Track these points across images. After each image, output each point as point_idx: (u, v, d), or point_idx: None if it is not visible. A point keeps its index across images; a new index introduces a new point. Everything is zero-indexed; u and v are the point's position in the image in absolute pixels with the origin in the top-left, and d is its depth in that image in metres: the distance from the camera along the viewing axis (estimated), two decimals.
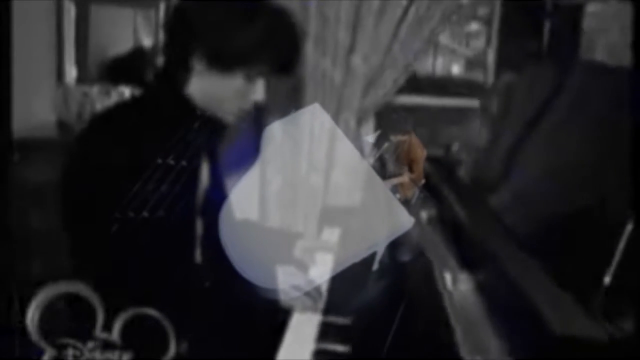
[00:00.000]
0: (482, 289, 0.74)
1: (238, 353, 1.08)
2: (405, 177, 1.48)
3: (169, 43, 1.09)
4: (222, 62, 1.04)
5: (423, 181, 1.44)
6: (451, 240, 0.94)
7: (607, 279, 0.55)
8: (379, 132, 1.58)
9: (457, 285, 0.78)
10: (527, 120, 0.91)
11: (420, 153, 1.54)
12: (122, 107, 1.13)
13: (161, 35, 1.11)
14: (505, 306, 0.65)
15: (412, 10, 1.59)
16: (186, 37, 1.04)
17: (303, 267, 1.31)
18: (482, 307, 0.69)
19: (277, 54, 1.05)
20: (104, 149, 1.00)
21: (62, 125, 2.30)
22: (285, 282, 1.17)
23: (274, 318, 1.14)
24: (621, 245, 0.56)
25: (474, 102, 2.69)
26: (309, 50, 1.59)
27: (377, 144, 1.64)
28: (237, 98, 1.07)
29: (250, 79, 1.05)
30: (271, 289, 1.17)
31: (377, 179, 1.39)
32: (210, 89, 1.06)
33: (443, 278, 0.80)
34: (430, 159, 1.43)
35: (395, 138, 1.51)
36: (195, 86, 1.07)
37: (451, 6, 1.55)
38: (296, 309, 1.15)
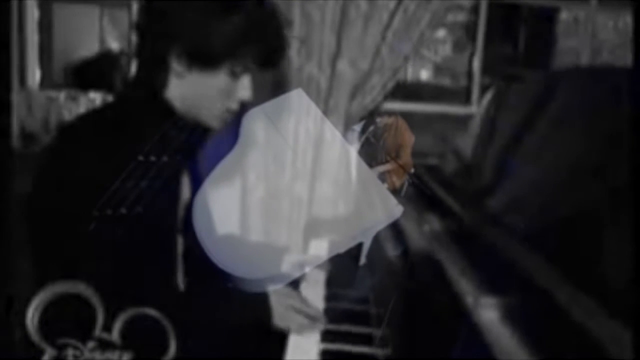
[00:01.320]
0: (513, 315, 0.64)
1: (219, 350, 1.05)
2: (392, 165, 1.50)
3: (143, 44, 1.02)
4: (203, 60, 0.98)
5: (412, 170, 1.47)
6: (464, 255, 0.85)
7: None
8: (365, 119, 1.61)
9: (480, 311, 0.68)
10: (520, 124, 0.94)
11: (408, 138, 1.57)
12: (96, 115, 1.07)
13: (133, 36, 1.04)
14: (548, 334, 0.59)
15: (400, 12, 1.59)
16: (162, 37, 0.98)
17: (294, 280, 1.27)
18: (514, 334, 0.61)
19: (262, 45, 1.00)
20: (79, 159, 0.95)
21: (25, 134, 2.19)
22: (280, 303, 1.10)
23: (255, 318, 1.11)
24: None
25: (444, 108, 2.79)
26: (294, 54, 1.58)
27: (364, 129, 1.65)
28: (222, 98, 1.02)
29: (235, 75, 1.00)
30: (249, 280, 1.14)
31: (366, 168, 1.39)
32: (192, 90, 1.00)
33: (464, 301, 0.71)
34: (424, 167, 1.45)
35: (381, 120, 1.52)
36: (174, 89, 1.01)
37: (441, 7, 1.56)
38: (292, 330, 1.07)
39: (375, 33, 1.58)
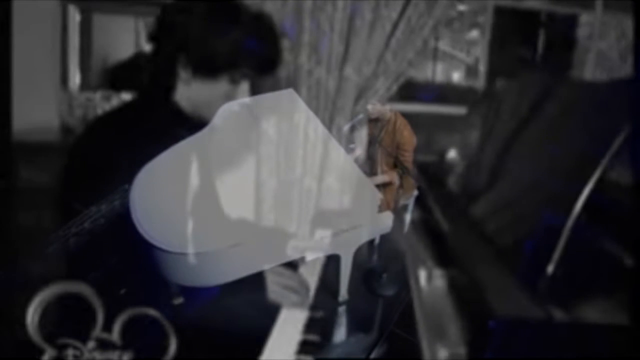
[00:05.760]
0: (453, 284, 0.78)
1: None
2: (390, 177, 1.38)
3: (156, 53, 1.09)
4: (205, 69, 1.05)
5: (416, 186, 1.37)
6: (430, 241, 0.99)
7: (550, 268, 0.61)
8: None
9: (432, 281, 0.82)
10: (515, 128, 0.92)
11: (408, 137, 1.45)
12: (117, 112, 1.14)
13: (149, 46, 1.13)
14: (463, 297, 0.71)
15: (404, 21, 1.60)
16: (171, 48, 1.05)
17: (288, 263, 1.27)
18: (450, 300, 0.74)
19: (258, 56, 1.06)
20: (98, 152, 1.02)
21: (65, 129, 2.28)
22: (275, 281, 1.15)
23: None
24: (563, 238, 0.61)
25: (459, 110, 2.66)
26: (304, 59, 1.60)
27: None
28: (223, 101, 1.09)
29: (234, 82, 1.06)
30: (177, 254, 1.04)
31: (364, 178, 1.31)
32: (197, 94, 1.07)
33: (416, 274, 0.85)
34: (422, 165, 1.39)
35: (371, 106, 1.43)
36: (182, 93, 1.08)
37: (444, 16, 1.57)
38: (284, 305, 1.14)
39: (379, 41, 1.61)
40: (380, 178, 1.43)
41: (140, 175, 1.01)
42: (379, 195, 1.24)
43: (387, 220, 1.24)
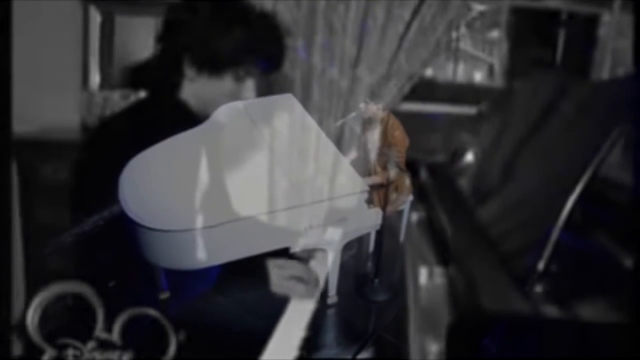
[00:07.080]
0: (453, 282, 0.84)
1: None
2: (382, 178, 1.34)
3: (163, 52, 1.17)
4: (210, 67, 1.10)
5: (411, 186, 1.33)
6: (434, 240, 1.03)
7: (540, 265, 0.64)
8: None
9: (432, 279, 0.89)
10: (526, 132, 0.91)
11: (400, 138, 1.40)
12: (126, 112, 1.21)
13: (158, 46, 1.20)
14: (462, 296, 0.77)
15: (416, 22, 1.59)
16: (176, 47, 1.11)
17: (299, 258, 1.26)
18: (448, 297, 0.80)
19: (262, 53, 1.10)
20: (108, 148, 1.09)
21: (85, 127, 2.32)
22: (278, 274, 1.17)
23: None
24: (553, 237, 0.65)
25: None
26: (317, 59, 1.59)
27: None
28: (229, 98, 1.12)
29: (239, 79, 1.11)
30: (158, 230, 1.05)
31: (354, 174, 1.30)
32: (203, 92, 1.13)
33: (416, 272, 0.90)
34: (433, 165, 1.37)
35: (364, 106, 1.40)
36: (188, 91, 1.15)
37: (457, 17, 1.56)
38: (293, 297, 1.16)
39: (392, 42, 1.59)
40: (373, 179, 1.39)
41: (129, 165, 1.04)
42: (366, 188, 1.22)
43: (375, 217, 1.21)
